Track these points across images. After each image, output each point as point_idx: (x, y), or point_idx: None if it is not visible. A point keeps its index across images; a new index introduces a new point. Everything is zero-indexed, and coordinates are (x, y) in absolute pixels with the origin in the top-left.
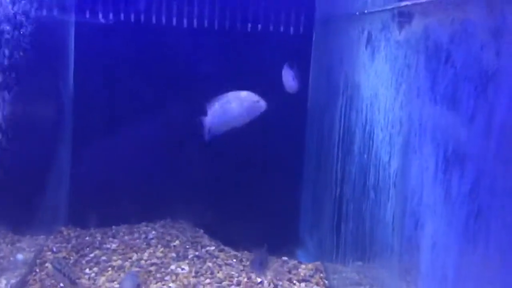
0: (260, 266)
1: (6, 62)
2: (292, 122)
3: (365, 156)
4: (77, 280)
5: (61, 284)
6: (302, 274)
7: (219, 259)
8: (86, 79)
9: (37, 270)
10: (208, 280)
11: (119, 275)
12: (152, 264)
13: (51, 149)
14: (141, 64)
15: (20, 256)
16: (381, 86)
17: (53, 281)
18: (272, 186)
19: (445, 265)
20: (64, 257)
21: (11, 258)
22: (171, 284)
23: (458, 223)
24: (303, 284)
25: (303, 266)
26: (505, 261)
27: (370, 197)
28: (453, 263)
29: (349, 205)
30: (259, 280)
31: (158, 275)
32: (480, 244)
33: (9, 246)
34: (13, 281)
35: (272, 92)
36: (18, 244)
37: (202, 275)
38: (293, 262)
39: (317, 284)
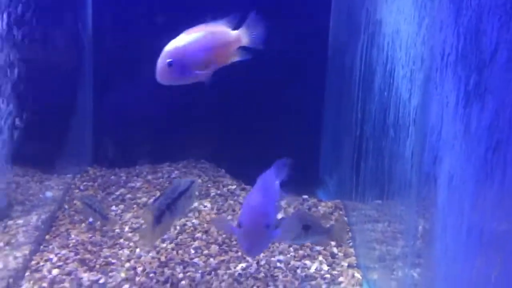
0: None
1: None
2: (312, 62)
3: (385, 94)
4: (108, 215)
5: (90, 220)
6: (321, 211)
7: (240, 197)
8: (105, 20)
9: (66, 206)
10: (229, 217)
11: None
12: None
13: (74, 91)
14: (163, 3)
15: (49, 194)
16: (403, 22)
17: (81, 217)
18: (293, 127)
19: (461, 198)
20: (91, 195)
21: (41, 196)
22: (194, 220)
23: (476, 156)
24: (323, 221)
25: (322, 204)
26: None
27: (390, 135)
28: (470, 196)
29: (368, 144)
30: (280, 216)
31: None
32: (497, 177)
33: (38, 184)
34: (43, 217)
35: (292, 32)
36: (46, 183)
37: (224, 212)
38: (313, 200)
39: (336, 220)
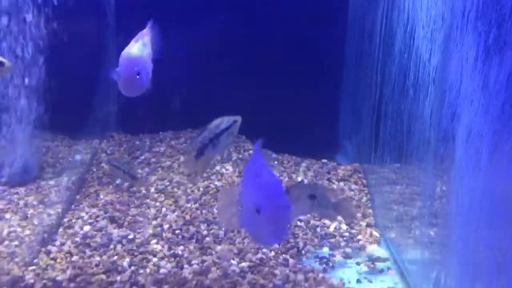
0: None
1: None
2: (331, 26)
3: (406, 55)
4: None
5: (117, 182)
6: (341, 174)
7: None
8: None
9: (94, 169)
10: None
11: (169, 174)
12: None
13: (99, 60)
14: None
15: (78, 157)
16: None
17: (109, 179)
18: (312, 92)
19: (478, 153)
20: (119, 157)
21: (70, 159)
22: (216, 182)
23: (494, 110)
24: (342, 183)
25: (342, 167)
26: None
27: (409, 96)
28: (487, 151)
29: (388, 107)
30: (299, 179)
31: (205, 175)
32: None
33: (67, 148)
34: (73, 178)
35: None
36: (75, 147)
37: None
38: (332, 164)
39: (355, 183)
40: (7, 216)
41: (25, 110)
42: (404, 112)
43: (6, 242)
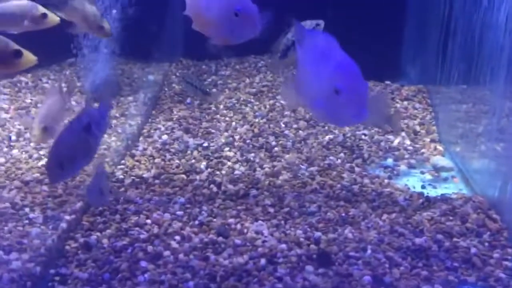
0: None
1: None
2: None
3: None
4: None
5: (188, 100)
6: (404, 94)
7: None
8: None
9: (166, 89)
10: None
11: (236, 94)
12: (264, 86)
13: None
14: None
15: (151, 77)
16: None
17: (180, 98)
18: (375, 18)
19: None
20: (190, 74)
21: (144, 79)
22: (282, 101)
23: None
24: (405, 103)
25: (405, 88)
26: None
27: (483, 5)
28: None
29: (458, 21)
30: None
31: (270, 94)
32: None
33: (140, 70)
34: (149, 95)
35: None
36: (147, 69)
37: None
38: (395, 85)
39: (419, 102)
40: None
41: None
42: (476, 23)
43: None
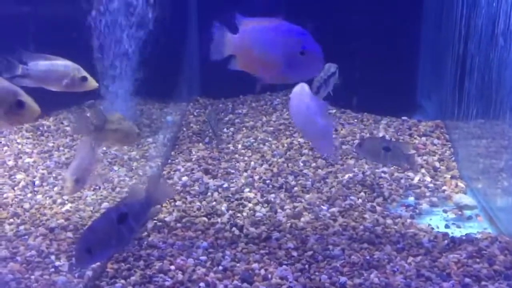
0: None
1: None
2: None
3: (494, 4)
4: (218, 134)
5: (206, 140)
6: (422, 130)
7: (341, 119)
8: None
9: (184, 129)
10: (333, 136)
11: (253, 132)
12: (281, 124)
13: (182, 32)
14: None
15: (169, 118)
16: None
17: (198, 137)
18: (390, 52)
19: None
20: (213, 112)
21: (163, 120)
22: (300, 139)
23: None
24: (424, 138)
25: (423, 123)
26: None
27: (499, 45)
28: None
29: (474, 59)
30: (380, 134)
31: (287, 133)
32: None
33: (158, 111)
34: (168, 136)
35: None
36: (165, 110)
37: None
38: (412, 121)
39: (438, 138)
40: (115, 168)
41: (124, 77)
42: (493, 61)
43: (118, 189)
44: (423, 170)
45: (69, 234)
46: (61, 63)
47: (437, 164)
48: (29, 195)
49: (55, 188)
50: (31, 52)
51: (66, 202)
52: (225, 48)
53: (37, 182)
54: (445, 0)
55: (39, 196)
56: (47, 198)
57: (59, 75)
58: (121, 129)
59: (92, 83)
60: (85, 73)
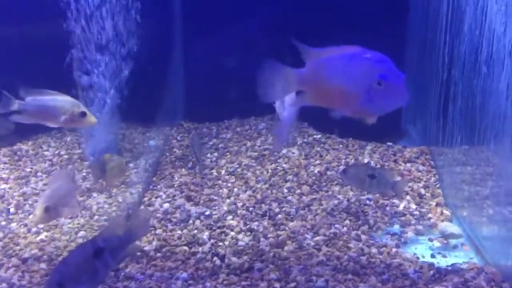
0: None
1: None
2: (393, 9)
3: (477, 32)
4: (201, 159)
5: (189, 165)
6: (407, 156)
7: (326, 145)
8: None
9: (167, 154)
10: (318, 161)
11: (237, 158)
12: (265, 149)
13: (168, 57)
14: None
15: (152, 142)
16: None
17: (181, 163)
18: None
19: None
20: (196, 137)
21: (145, 144)
22: (284, 165)
23: None
24: (408, 165)
25: (408, 149)
26: None
27: (482, 73)
28: None
29: (457, 86)
30: (366, 160)
31: (272, 158)
32: None
33: (141, 135)
34: (149, 161)
35: None
36: (148, 134)
37: (311, 157)
38: (397, 147)
39: (422, 164)
40: (94, 194)
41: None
42: (476, 89)
43: (96, 217)
44: (408, 197)
45: (43, 265)
46: (60, 98)
47: (422, 191)
48: (3, 223)
49: (30, 216)
50: (29, 88)
51: (41, 231)
52: (288, 86)
53: (12, 210)
54: (429, 27)
55: (13, 224)
56: (22, 226)
57: (58, 110)
58: (116, 165)
59: (91, 119)
60: (84, 109)
